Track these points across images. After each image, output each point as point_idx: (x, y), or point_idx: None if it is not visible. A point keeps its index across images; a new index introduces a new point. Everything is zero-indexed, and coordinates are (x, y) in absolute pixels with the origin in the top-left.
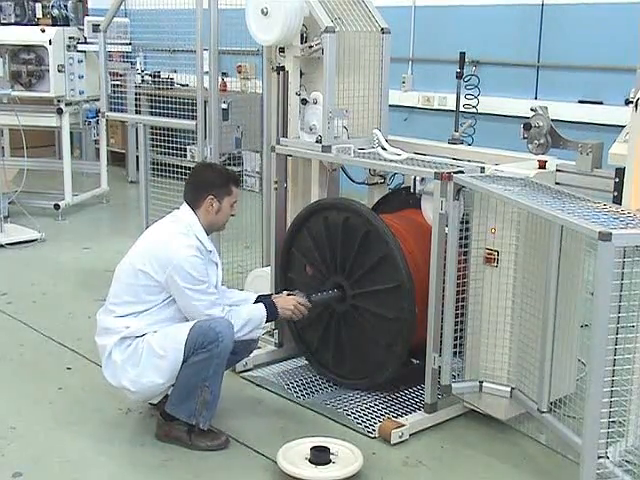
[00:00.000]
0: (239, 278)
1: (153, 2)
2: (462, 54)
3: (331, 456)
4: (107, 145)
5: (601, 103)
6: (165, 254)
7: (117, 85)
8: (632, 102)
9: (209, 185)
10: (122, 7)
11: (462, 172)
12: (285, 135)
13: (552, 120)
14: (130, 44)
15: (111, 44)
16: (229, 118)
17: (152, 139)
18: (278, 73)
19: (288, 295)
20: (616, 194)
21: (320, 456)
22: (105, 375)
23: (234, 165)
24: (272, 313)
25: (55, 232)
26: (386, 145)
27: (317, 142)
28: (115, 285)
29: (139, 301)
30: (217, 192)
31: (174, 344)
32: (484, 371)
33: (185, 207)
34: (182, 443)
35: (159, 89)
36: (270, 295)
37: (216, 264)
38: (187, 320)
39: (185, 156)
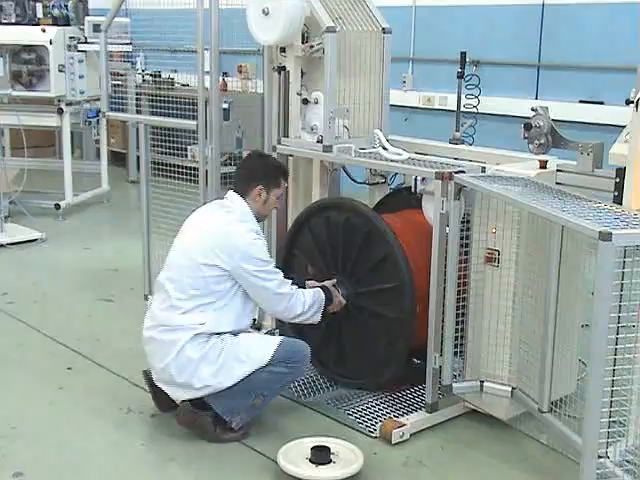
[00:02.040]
0: None
1: (154, 2)
2: (463, 54)
3: (332, 456)
4: (108, 145)
5: (602, 103)
6: (230, 243)
7: (118, 85)
8: (632, 102)
9: (260, 175)
10: (123, 7)
11: (463, 172)
12: (286, 135)
13: (553, 120)
14: (131, 44)
15: (112, 44)
16: (230, 118)
17: (153, 139)
18: (279, 73)
19: (313, 451)
20: (617, 194)
21: (321, 456)
22: (171, 371)
23: (235, 165)
24: (329, 299)
25: (56, 232)
26: (387, 145)
27: (318, 142)
28: (175, 280)
29: (205, 293)
30: (267, 183)
31: (261, 352)
32: (485, 371)
33: (234, 195)
34: (205, 434)
35: (160, 89)
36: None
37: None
38: (253, 310)
39: (186, 156)
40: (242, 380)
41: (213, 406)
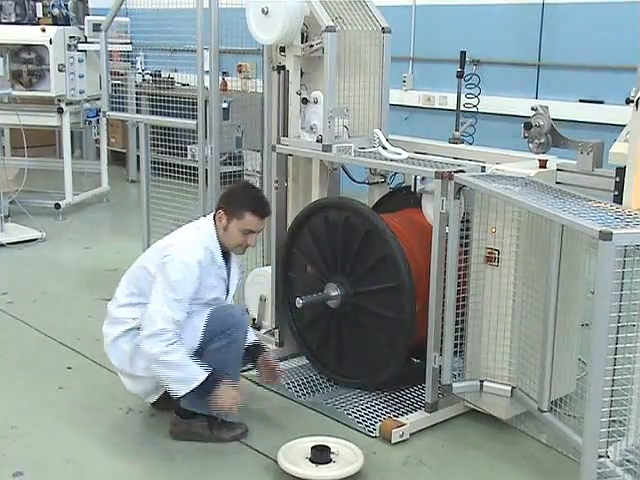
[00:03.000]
0: (239, 278)
1: (154, 2)
2: (463, 53)
3: (332, 455)
4: (108, 144)
5: (602, 102)
6: (163, 252)
7: (118, 84)
8: (633, 101)
9: (227, 199)
10: (123, 6)
11: (463, 171)
12: (286, 134)
13: (553, 119)
14: (131, 43)
15: (112, 43)
16: (230, 117)
17: (153, 138)
18: (279, 72)
19: (313, 450)
20: (617, 193)
21: (321, 455)
22: (110, 357)
23: (234, 165)
24: (205, 389)
25: (56, 231)
26: (387, 144)
27: (318, 141)
28: (126, 277)
29: (140, 294)
30: (228, 209)
31: (190, 337)
32: (485, 370)
33: (209, 217)
34: (202, 438)
35: (160, 88)
36: (259, 354)
37: (225, 280)
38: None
39: (186, 155)
40: None
41: (197, 411)
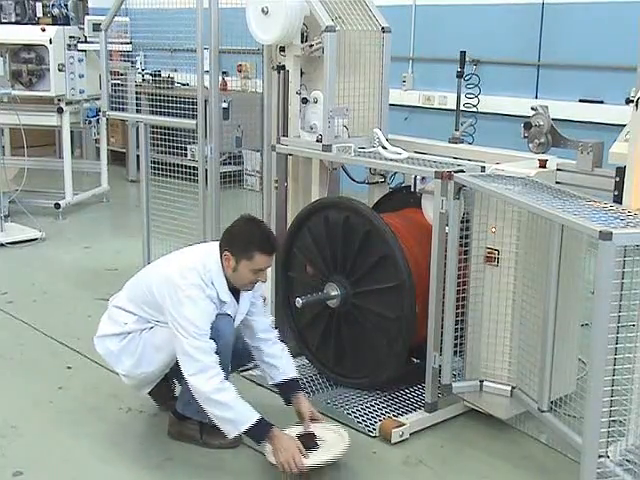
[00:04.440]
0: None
1: (154, 1)
2: (462, 53)
3: (318, 441)
4: (107, 144)
5: (602, 102)
6: (174, 284)
7: (117, 84)
8: (632, 101)
9: (231, 240)
10: (123, 6)
11: (462, 171)
12: (285, 134)
13: (553, 119)
14: (130, 43)
15: (111, 43)
16: (229, 117)
17: (153, 138)
18: (278, 72)
19: (299, 437)
20: (617, 193)
21: (306, 442)
22: (97, 349)
23: (234, 164)
24: (258, 436)
25: (55, 231)
26: (386, 144)
27: (317, 141)
28: (133, 281)
29: (141, 308)
30: (235, 251)
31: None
32: (484, 370)
33: (216, 250)
34: (194, 441)
35: (159, 88)
36: (297, 386)
37: (229, 316)
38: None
39: (185, 155)
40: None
41: (187, 414)
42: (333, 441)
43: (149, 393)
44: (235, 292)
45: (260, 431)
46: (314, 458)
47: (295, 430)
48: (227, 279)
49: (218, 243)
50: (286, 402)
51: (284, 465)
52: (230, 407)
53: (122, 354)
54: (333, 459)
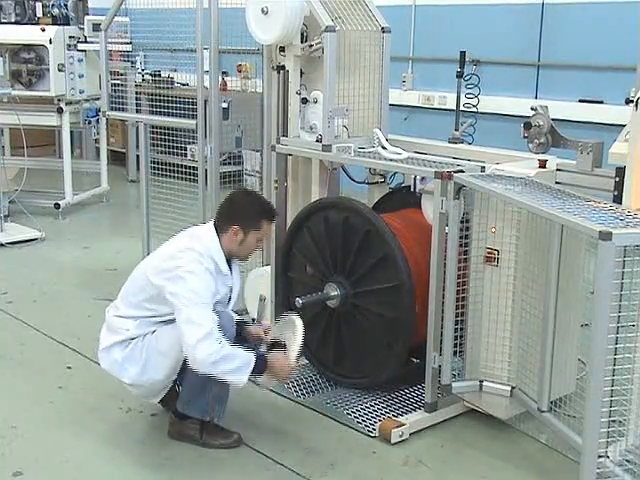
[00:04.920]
0: (240, 284)
1: (153, 1)
2: (462, 53)
3: (282, 339)
4: (107, 144)
5: (601, 102)
6: (172, 265)
7: (117, 84)
8: (632, 101)
9: (239, 214)
10: (123, 6)
11: (462, 171)
12: (285, 134)
13: (552, 119)
14: (130, 43)
15: (111, 43)
16: (229, 117)
17: (152, 138)
18: (278, 72)
19: (271, 348)
20: (616, 193)
21: (279, 348)
22: (101, 364)
23: (234, 164)
24: (260, 370)
25: (55, 231)
26: (386, 144)
27: (317, 141)
28: (126, 285)
29: (142, 307)
30: (245, 224)
31: (178, 340)
32: (484, 370)
33: (210, 228)
34: (194, 441)
35: (159, 88)
36: (241, 323)
37: (230, 288)
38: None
39: (185, 155)
40: (188, 377)
41: (189, 413)
42: (290, 327)
43: (161, 402)
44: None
45: (260, 364)
46: (293, 352)
47: (264, 348)
48: (224, 253)
49: (212, 223)
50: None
51: (288, 379)
52: (234, 356)
53: (126, 362)
54: (301, 338)
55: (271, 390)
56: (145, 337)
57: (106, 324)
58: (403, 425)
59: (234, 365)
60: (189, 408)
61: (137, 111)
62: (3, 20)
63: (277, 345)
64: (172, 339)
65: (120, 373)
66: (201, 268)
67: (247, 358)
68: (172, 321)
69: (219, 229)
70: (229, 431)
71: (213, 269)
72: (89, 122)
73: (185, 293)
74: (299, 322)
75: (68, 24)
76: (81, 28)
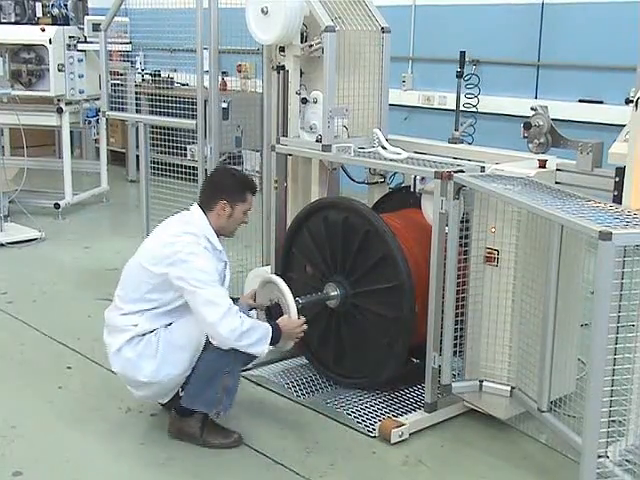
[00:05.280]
0: (239, 277)
1: (153, 1)
2: (462, 53)
3: (275, 299)
4: (107, 144)
5: (601, 102)
6: (172, 250)
7: (117, 84)
8: (632, 101)
9: (224, 189)
10: (122, 6)
11: (462, 171)
12: (285, 134)
13: (552, 119)
14: (130, 43)
15: (111, 43)
16: (229, 117)
17: (152, 138)
18: (278, 72)
19: (271, 310)
20: (616, 193)
21: (278, 309)
22: (115, 369)
23: (234, 164)
24: (277, 338)
25: (55, 231)
26: (386, 144)
27: (317, 141)
28: (122, 283)
29: (145, 299)
30: (231, 197)
31: (196, 332)
32: (484, 370)
33: (196, 209)
34: (194, 440)
35: (159, 88)
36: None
37: (225, 262)
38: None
39: (185, 155)
40: (198, 369)
41: (195, 407)
42: (273, 288)
43: (163, 404)
44: None
45: (276, 333)
46: (292, 308)
47: (262, 315)
48: (214, 230)
49: (196, 205)
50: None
51: (301, 335)
52: (254, 328)
53: (140, 360)
54: (289, 292)
55: (271, 390)
56: (157, 332)
57: (108, 327)
58: (403, 425)
59: (255, 337)
60: (195, 401)
61: (137, 111)
62: (3, 20)
63: (274, 308)
64: (188, 332)
65: (135, 372)
66: (200, 248)
67: (265, 328)
68: (178, 310)
69: (206, 207)
70: (229, 430)
71: (210, 247)
72: (89, 122)
73: (193, 274)
74: (278, 279)
75: (68, 24)
76: (81, 28)
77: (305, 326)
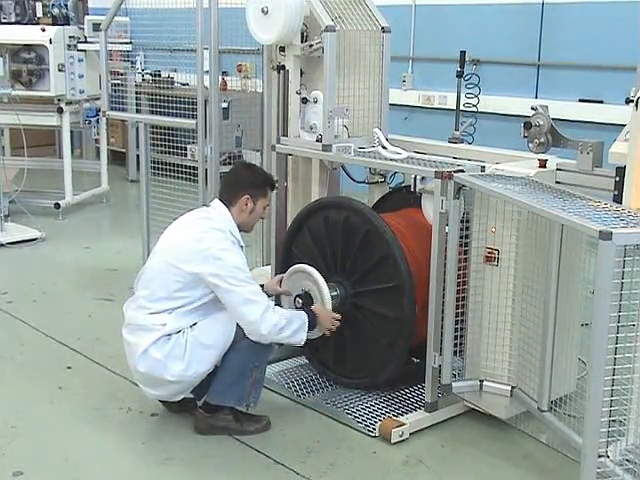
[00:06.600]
0: None
1: (153, 1)
2: (462, 53)
3: (304, 287)
4: (107, 144)
5: (601, 102)
6: (202, 247)
7: (117, 84)
8: (632, 101)
9: (247, 185)
10: (122, 6)
11: (462, 171)
12: (285, 134)
13: (552, 119)
14: (130, 43)
15: (111, 43)
16: (229, 117)
17: (152, 138)
18: (278, 72)
19: (301, 297)
20: (616, 193)
21: (308, 298)
22: (141, 370)
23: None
24: (313, 325)
25: (55, 231)
26: (386, 144)
27: (317, 141)
28: (147, 282)
29: (173, 297)
30: (254, 192)
31: (224, 331)
32: (484, 370)
33: (218, 204)
34: (228, 432)
35: (159, 88)
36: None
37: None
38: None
39: (185, 155)
40: (227, 366)
41: (224, 403)
42: (304, 277)
43: (169, 404)
44: None
45: (312, 320)
46: (326, 297)
47: (293, 300)
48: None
49: (217, 200)
50: None
51: (334, 326)
52: (292, 319)
53: (169, 360)
54: (324, 281)
55: (271, 389)
56: (184, 333)
57: (131, 326)
58: (403, 425)
59: (294, 327)
60: (225, 398)
61: (137, 111)
62: (3, 20)
63: (305, 297)
64: (215, 331)
65: (163, 372)
66: (229, 243)
67: (302, 317)
68: (205, 306)
69: (228, 202)
70: (258, 416)
71: (236, 242)
72: (89, 122)
73: (228, 271)
74: (312, 269)
75: (68, 24)
76: (81, 28)
77: (339, 315)
